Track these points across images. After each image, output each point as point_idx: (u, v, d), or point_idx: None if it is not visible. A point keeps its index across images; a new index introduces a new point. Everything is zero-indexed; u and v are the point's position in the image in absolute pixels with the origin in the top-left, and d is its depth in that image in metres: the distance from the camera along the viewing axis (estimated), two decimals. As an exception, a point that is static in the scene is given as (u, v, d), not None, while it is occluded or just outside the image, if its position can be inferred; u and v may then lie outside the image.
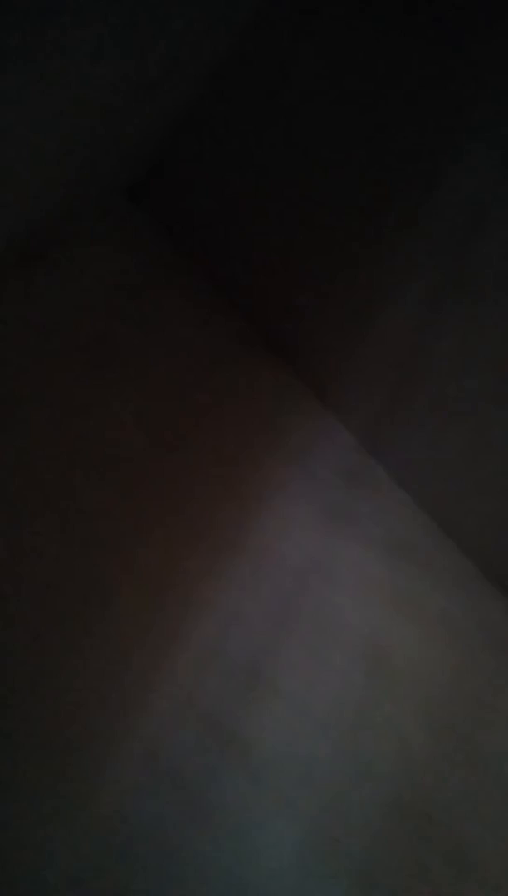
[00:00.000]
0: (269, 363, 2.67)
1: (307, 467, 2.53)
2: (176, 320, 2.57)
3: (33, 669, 1.86)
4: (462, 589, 2.54)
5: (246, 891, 1.89)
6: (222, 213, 2.63)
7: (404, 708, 2.30)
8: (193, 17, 1.94)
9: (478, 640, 2.47)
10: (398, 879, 2.02)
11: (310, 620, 2.28)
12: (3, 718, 1.79)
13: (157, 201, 2.71)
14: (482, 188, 2.29)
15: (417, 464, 2.62)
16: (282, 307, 2.65)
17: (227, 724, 2.05)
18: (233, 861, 1.90)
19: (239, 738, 2.04)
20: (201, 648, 2.10)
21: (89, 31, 1.53)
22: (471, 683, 2.42)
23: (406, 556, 2.51)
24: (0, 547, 1.95)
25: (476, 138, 2.26)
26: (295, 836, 1.99)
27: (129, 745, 1.92)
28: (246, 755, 2.03)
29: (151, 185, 2.68)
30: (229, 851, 1.91)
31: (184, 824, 1.89)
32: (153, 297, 2.57)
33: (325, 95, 2.33)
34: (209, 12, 2.03)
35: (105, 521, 2.13)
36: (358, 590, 2.39)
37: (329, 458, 2.59)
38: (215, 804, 1.94)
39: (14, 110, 1.58)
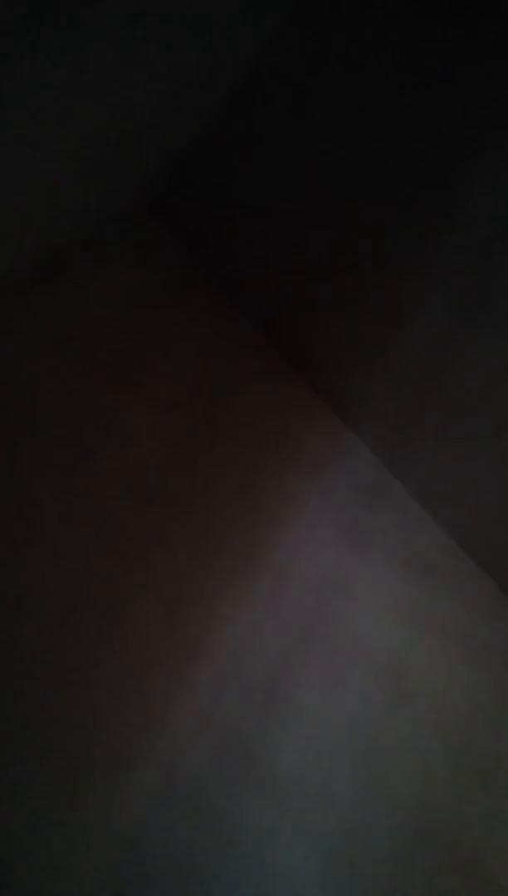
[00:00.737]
0: (289, 380, 2.66)
1: (327, 484, 2.52)
2: (196, 335, 2.57)
3: (54, 685, 1.86)
4: (482, 608, 2.52)
5: (264, 912, 1.87)
6: (242, 230, 2.63)
7: (423, 727, 2.28)
8: (213, 39, 1.95)
9: (498, 659, 2.45)
10: (417, 903, 2.00)
11: (329, 638, 2.27)
12: (23, 734, 1.79)
13: (177, 216, 2.72)
14: (503, 211, 2.29)
15: (436, 482, 2.61)
16: (303, 324, 2.65)
17: (245, 741, 2.03)
18: (250, 882, 1.88)
19: (257, 756, 2.03)
20: (220, 665, 2.09)
21: (115, 49, 1.55)
22: (491, 703, 2.40)
23: (426, 574, 2.49)
24: (20, 562, 1.95)
25: (500, 161, 2.25)
26: (313, 857, 1.97)
27: (147, 760, 1.91)
28: (264, 773, 2.01)
29: (171, 201, 2.69)
30: (247, 871, 1.89)
31: (201, 842, 1.88)
32: (173, 312, 2.58)
33: (345, 116, 2.33)
34: (229, 36, 2.04)
35: (125, 536, 2.12)
36: (377, 608, 2.37)
37: (349, 476, 2.58)
38: (232, 822, 1.92)
39: (42, 125, 1.59)
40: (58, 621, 1.93)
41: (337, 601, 2.33)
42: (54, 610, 1.94)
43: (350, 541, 2.46)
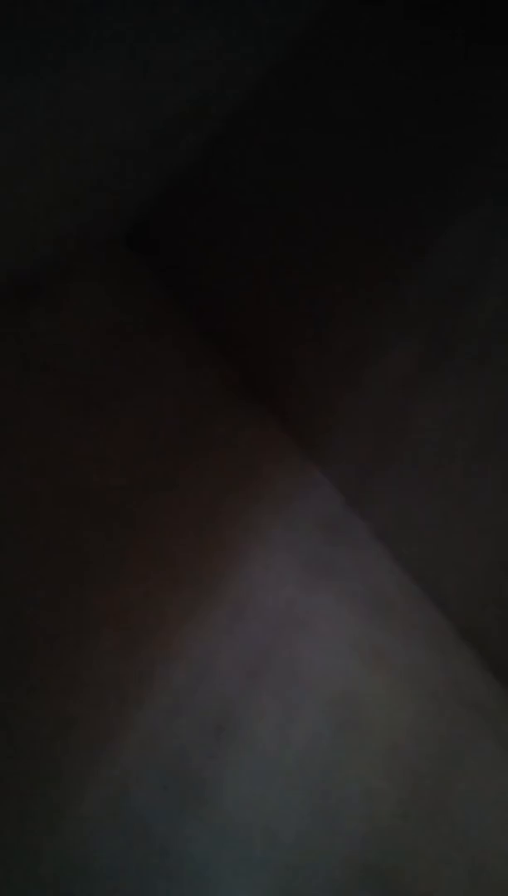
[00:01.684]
0: (256, 412, 2.70)
1: (289, 518, 2.55)
2: (167, 365, 2.61)
3: (2, 701, 1.85)
4: (437, 647, 2.55)
5: None
6: (216, 264, 2.69)
7: (373, 764, 2.29)
8: (198, 78, 2.02)
9: (451, 698, 2.47)
10: (359, 943, 2.00)
11: (283, 672, 2.28)
12: (-32, 760, 1.77)
13: (154, 248, 2.77)
14: (479, 250, 2.36)
15: (398, 521, 2.65)
16: (272, 358, 2.70)
17: (194, 771, 2.03)
18: (192, 916, 1.87)
19: (206, 786, 2.03)
20: (173, 694, 2.09)
21: (101, 81, 1.59)
22: (441, 741, 2.41)
23: (383, 611, 2.52)
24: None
25: (478, 196, 2.31)
26: (257, 891, 1.96)
27: (94, 785, 1.90)
28: (212, 806, 2.01)
29: (148, 233, 2.74)
30: (189, 906, 1.88)
31: (145, 873, 1.87)
32: (145, 342, 2.61)
33: (323, 162, 2.41)
34: (214, 75, 2.11)
35: (84, 563, 2.13)
36: (333, 643, 2.39)
37: (311, 511, 2.61)
38: (177, 855, 1.91)
39: (22, 151, 1.63)
40: (14, 645, 1.92)
41: (294, 635, 2.35)
42: (8, 634, 1.93)
43: (310, 576, 2.48)
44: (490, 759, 2.45)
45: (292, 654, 2.32)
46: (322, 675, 2.32)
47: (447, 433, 2.55)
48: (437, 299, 2.45)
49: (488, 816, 2.37)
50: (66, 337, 2.43)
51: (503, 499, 2.53)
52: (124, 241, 2.75)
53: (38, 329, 2.39)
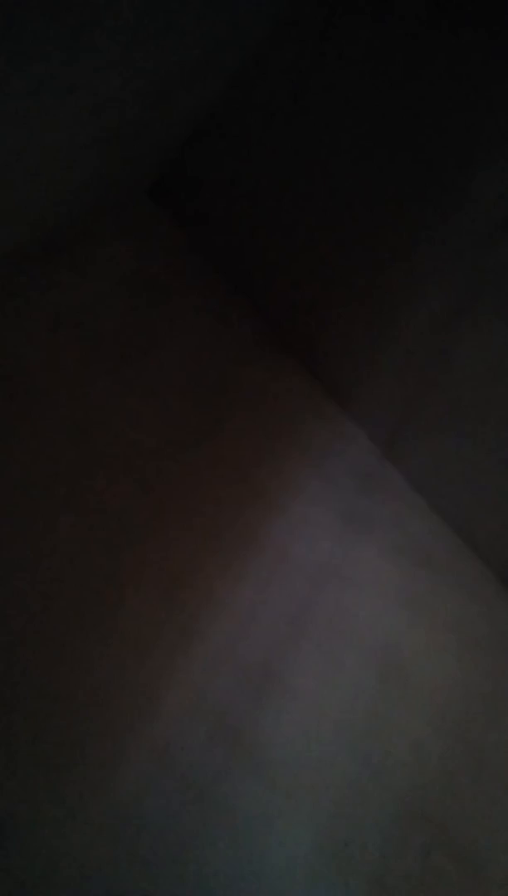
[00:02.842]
0: (288, 366, 2.66)
1: (325, 470, 2.52)
2: (195, 320, 2.57)
3: (49, 663, 1.87)
4: (478, 595, 2.52)
5: (255, 892, 1.88)
6: (242, 215, 2.63)
7: (417, 713, 2.29)
8: (216, 22, 1.95)
9: (493, 647, 2.46)
10: (409, 884, 2.01)
11: (325, 623, 2.27)
12: (17, 709, 1.80)
13: (178, 201, 2.71)
14: (506, 199, 2.28)
15: (434, 470, 2.61)
16: (301, 310, 2.65)
17: (239, 723, 2.05)
18: (242, 861, 1.90)
19: (251, 737, 2.04)
20: (215, 647, 2.10)
21: (116, 32, 1.54)
22: (484, 690, 2.40)
23: (422, 561, 2.50)
24: (16, 542, 1.96)
25: (504, 149, 2.25)
26: (306, 839, 1.98)
27: (140, 741, 1.92)
28: (257, 755, 2.02)
29: (172, 185, 2.68)
30: (238, 851, 1.90)
31: (193, 822, 1.89)
32: (173, 296, 2.58)
33: (347, 98, 2.33)
34: (232, 19, 2.04)
35: (122, 517, 2.13)
36: (373, 593, 2.38)
37: (347, 462, 2.58)
38: (225, 803, 1.94)
39: (43, 107, 1.59)
40: (55, 601, 1.94)
41: (333, 586, 2.34)
42: (51, 590, 1.95)
43: (347, 527, 2.46)
44: (534, 706, 2.44)
45: (333, 606, 2.31)
46: (364, 626, 2.32)
47: (482, 381, 2.49)
48: (469, 246, 2.38)
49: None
50: (94, 293, 2.41)
51: (542, 445, 2.48)
52: (148, 195, 2.70)
53: (66, 286, 2.36)
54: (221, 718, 2.03)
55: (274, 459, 2.45)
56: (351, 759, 2.13)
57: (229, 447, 2.39)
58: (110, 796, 1.82)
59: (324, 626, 2.27)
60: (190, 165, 2.65)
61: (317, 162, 2.45)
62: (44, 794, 1.76)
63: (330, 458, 2.57)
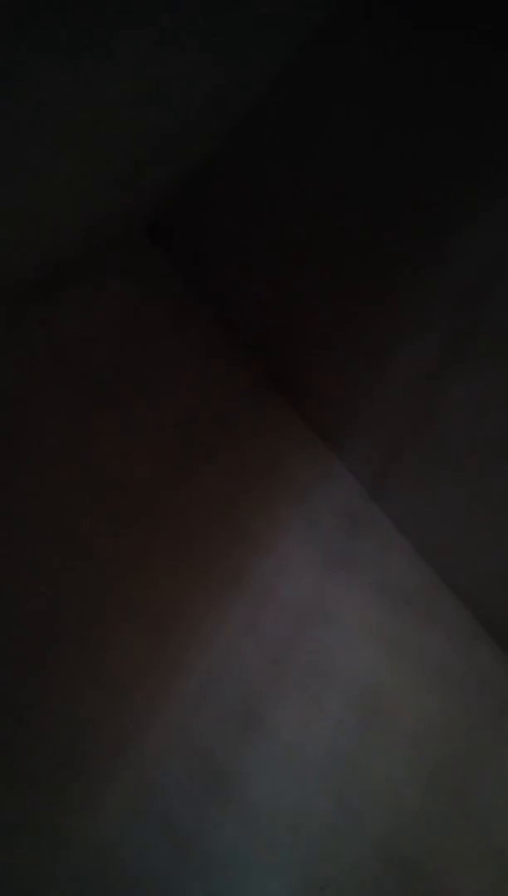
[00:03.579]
0: (279, 406, 2.71)
1: (310, 510, 2.56)
2: (189, 359, 2.62)
3: (34, 699, 1.86)
4: (460, 640, 2.55)
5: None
6: (238, 258, 2.69)
7: (396, 754, 2.30)
8: (220, 69, 2.01)
9: (474, 693, 2.48)
10: (384, 932, 2.01)
11: (307, 664, 2.29)
12: None
13: (175, 242, 2.77)
14: (499, 242, 2.35)
15: (419, 512, 2.65)
16: (294, 352, 2.70)
17: (220, 763, 2.05)
18: (220, 905, 1.89)
19: (231, 778, 2.04)
20: (198, 686, 2.11)
21: (128, 71, 1.60)
22: (465, 736, 2.42)
23: (405, 603, 2.52)
24: (4, 578, 1.97)
25: (497, 192, 2.31)
26: (283, 881, 1.98)
27: (122, 778, 1.92)
28: (237, 796, 2.03)
29: (170, 226, 2.74)
30: (216, 894, 1.90)
31: (173, 861, 1.88)
32: (168, 335, 2.62)
33: (343, 157, 2.40)
34: (239, 65, 2.11)
35: (107, 553, 2.14)
36: (356, 635, 2.40)
37: (332, 502, 2.61)
38: (203, 845, 1.93)
39: (47, 141, 1.63)
40: (40, 640, 1.94)
41: (316, 627, 2.36)
42: (36, 628, 1.95)
43: (332, 567, 2.49)
44: (513, 751, 2.46)
45: (316, 646, 2.33)
46: (346, 666, 2.33)
47: (468, 427, 2.54)
48: (460, 293, 2.44)
49: (510, 807, 2.38)
50: (91, 330, 2.44)
51: (525, 491, 2.52)
52: (146, 235, 2.75)
53: (64, 322, 2.40)
54: (202, 758, 2.03)
55: (261, 498, 2.48)
56: (330, 800, 2.14)
57: (216, 486, 2.42)
58: (90, 839, 1.82)
59: (307, 667, 2.28)
60: (188, 207, 2.71)
61: (315, 209, 2.51)
62: (22, 828, 1.75)
63: (317, 498, 2.60)
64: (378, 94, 2.31)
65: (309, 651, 2.31)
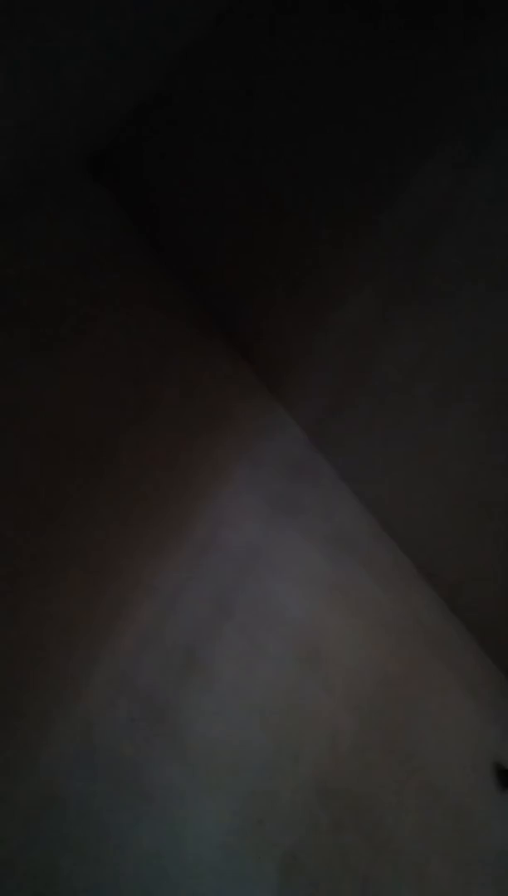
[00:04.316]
0: (223, 352, 2.67)
1: (255, 457, 2.55)
2: (131, 298, 2.54)
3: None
4: (396, 583, 2.62)
5: (172, 871, 1.92)
6: (183, 196, 2.61)
7: (333, 695, 2.37)
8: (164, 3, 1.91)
9: (408, 632, 2.56)
10: (319, 859, 2.10)
11: (249, 608, 2.32)
12: None
13: (116, 176, 2.66)
14: (441, 194, 2.34)
15: (361, 461, 2.69)
16: (239, 294, 2.66)
17: (162, 705, 2.07)
18: (161, 841, 1.93)
19: (173, 718, 2.07)
20: (140, 630, 2.11)
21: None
22: (397, 673, 2.51)
23: (346, 549, 2.57)
24: None
25: (439, 145, 2.30)
26: (223, 819, 2.03)
27: (63, 722, 1.92)
28: (179, 736, 2.06)
29: (113, 160, 2.63)
30: (158, 832, 1.94)
31: (114, 803, 1.91)
32: (108, 274, 2.53)
33: (292, 93, 2.33)
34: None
35: (52, 496, 2.10)
36: (298, 580, 2.44)
37: (277, 450, 2.62)
38: (146, 782, 1.96)
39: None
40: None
41: (259, 572, 2.39)
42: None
43: (275, 514, 2.51)
44: (444, 689, 2.57)
45: (258, 591, 2.35)
46: (287, 610, 2.37)
47: (410, 377, 2.57)
48: (402, 244, 2.44)
49: (440, 742, 2.50)
50: (26, 268, 2.34)
51: (463, 442, 2.58)
52: (86, 168, 2.63)
53: (-3, 259, 2.29)
54: (144, 700, 2.04)
55: (205, 446, 2.46)
56: (269, 739, 2.20)
57: (160, 432, 2.38)
58: (33, 777, 1.82)
59: (248, 611, 2.31)
60: (131, 140, 2.60)
61: (262, 146, 2.45)
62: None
63: (260, 445, 2.60)
64: (328, 31, 2.24)
65: (251, 596, 2.34)
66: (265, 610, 2.34)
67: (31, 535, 2.02)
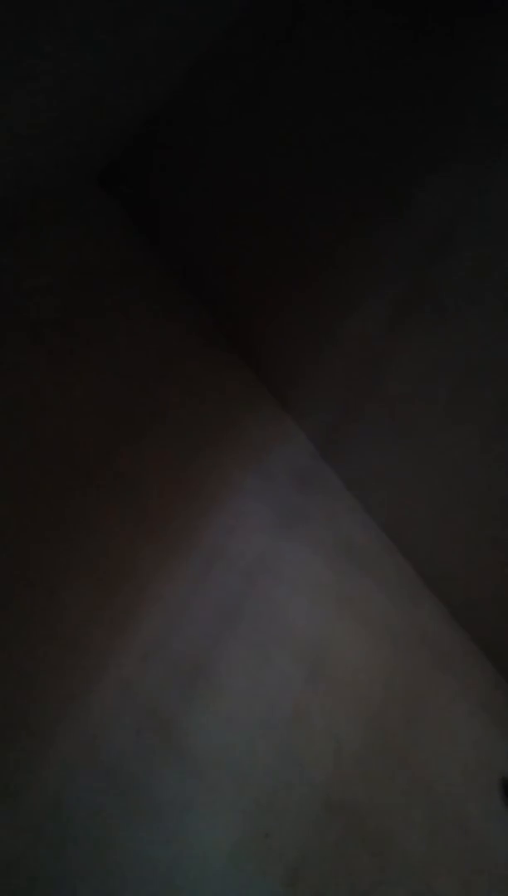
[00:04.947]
0: (232, 363, 2.68)
1: (263, 468, 2.56)
2: (140, 311, 2.56)
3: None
4: (403, 594, 2.61)
5: (177, 883, 1.91)
6: (192, 208, 2.62)
7: (338, 706, 2.36)
8: (182, 8, 1.93)
9: (415, 643, 2.55)
10: (324, 871, 2.09)
11: (255, 619, 2.32)
12: None
13: (126, 188, 2.68)
14: (452, 206, 2.34)
15: (368, 472, 2.68)
16: (248, 306, 2.67)
17: (167, 716, 2.07)
18: (166, 853, 1.92)
19: (178, 729, 2.06)
20: (147, 641, 2.11)
21: (77, 13, 1.52)
22: (402, 684, 2.50)
23: (353, 559, 2.57)
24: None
25: (451, 156, 2.30)
26: (228, 831, 2.02)
27: (70, 733, 1.92)
28: (184, 747, 2.05)
29: (122, 173, 2.65)
30: (163, 844, 1.93)
31: (119, 815, 1.91)
32: (118, 286, 2.55)
33: (302, 100, 2.34)
34: (199, 7, 2.02)
35: (59, 506, 2.11)
36: (304, 590, 2.43)
37: (285, 461, 2.62)
38: (151, 796, 1.96)
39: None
40: (-14, 592, 1.91)
41: (266, 582, 2.38)
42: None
43: (282, 524, 2.51)
44: (450, 702, 2.55)
45: (264, 602, 2.35)
46: (293, 621, 2.37)
47: (418, 388, 2.57)
48: (411, 255, 2.44)
49: (446, 756, 2.48)
50: (36, 279, 2.36)
51: (472, 452, 2.57)
52: (97, 180, 2.65)
53: (6, 271, 2.31)
54: (150, 711, 2.04)
55: (214, 456, 2.47)
56: (275, 753, 2.19)
57: (169, 442, 2.39)
58: (36, 788, 1.82)
59: (254, 621, 2.31)
60: (141, 153, 2.62)
61: (271, 159, 2.46)
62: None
63: (268, 455, 2.61)
64: (337, 41, 2.25)
65: (258, 606, 2.33)
66: (271, 621, 2.34)
67: (37, 546, 2.03)
